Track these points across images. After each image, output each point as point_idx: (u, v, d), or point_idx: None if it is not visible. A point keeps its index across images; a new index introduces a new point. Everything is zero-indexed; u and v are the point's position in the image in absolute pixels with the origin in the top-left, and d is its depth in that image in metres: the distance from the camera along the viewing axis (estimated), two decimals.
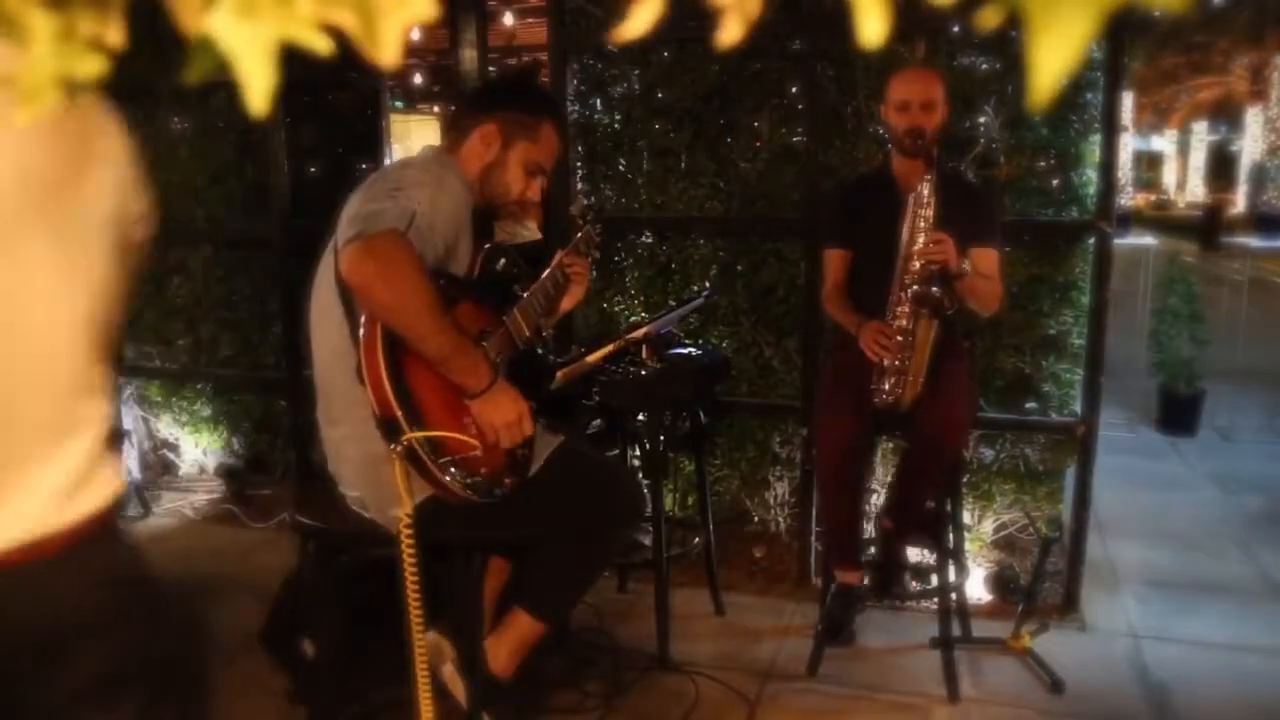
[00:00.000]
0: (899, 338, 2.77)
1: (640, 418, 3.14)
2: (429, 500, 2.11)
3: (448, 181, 2.16)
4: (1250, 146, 26.83)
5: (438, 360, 2.02)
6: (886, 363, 2.80)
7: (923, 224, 2.74)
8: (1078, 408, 3.36)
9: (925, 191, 2.74)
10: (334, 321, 2.14)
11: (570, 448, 2.40)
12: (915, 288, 2.73)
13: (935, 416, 2.77)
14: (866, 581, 3.08)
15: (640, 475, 3.60)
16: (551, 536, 2.38)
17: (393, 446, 1.97)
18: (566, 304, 2.48)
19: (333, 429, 2.23)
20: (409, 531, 2.05)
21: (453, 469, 2.02)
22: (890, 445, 3.48)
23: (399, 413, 1.94)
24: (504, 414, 2.11)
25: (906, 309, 2.77)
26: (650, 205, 3.73)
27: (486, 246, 2.27)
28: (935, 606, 3.02)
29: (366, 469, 2.16)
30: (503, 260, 2.30)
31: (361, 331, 1.98)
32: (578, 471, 2.39)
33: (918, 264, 2.73)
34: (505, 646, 2.39)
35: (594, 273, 2.52)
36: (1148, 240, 6.97)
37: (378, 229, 1.90)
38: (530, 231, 2.67)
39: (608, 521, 2.38)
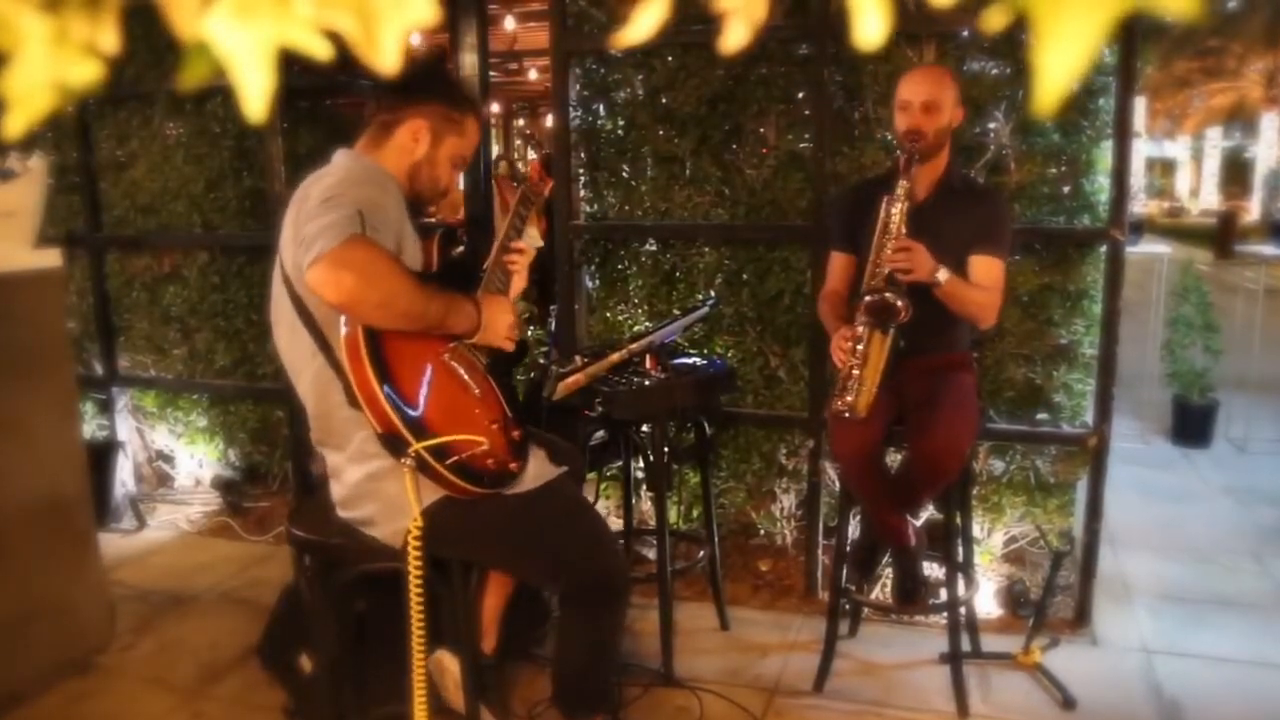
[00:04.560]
0: (853, 344, 2.72)
1: (644, 429, 3.11)
2: (435, 507, 2.09)
3: (380, 179, 2.13)
4: (1265, 153, 26.80)
5: (436, 327, 2.06)
6: (843, 370, 2.76)
7: (892, 228, 2.70)
8: (1089, 418, 3.32)
9: (899, 193, 2.69)
10: (306, 351, 2.12)
11: (569, 484, 2.39)
12: (868, 297, 2.68)
13: (933, 440, 2.69)
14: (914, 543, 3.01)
15: (644, 488, 3.58)
16: (535, 567, 2.36)
17: (401, 460, 1.97)
18: (516, 285, 2.37)
19: (337, 454, 2.20)
20: (418, 541, 2.03)
21: (462, 469, 2.02)
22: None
23: (401, 426, 1.94)
24: (503, 327, 2.18)
25: (862, 316, 2.72)
26: (654, 212, 3.70)
27: (441, 233, 2.25)
28: (944, 621, 2.98)
29: (373, 485, 2.13)
30: (460, 247, 2.28)
31: (343, 356, 1.97)
32: (571, 509, 2.36)
33: (886, 269, 2.68)
34: None
35: (540, 240, 2.46)
36: (1161, 248, 6.91)
37: (338, 241, 1.86)
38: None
39: (587, 579, 2.28)
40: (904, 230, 2.68)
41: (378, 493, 2.12)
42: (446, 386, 2.08)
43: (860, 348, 2.71)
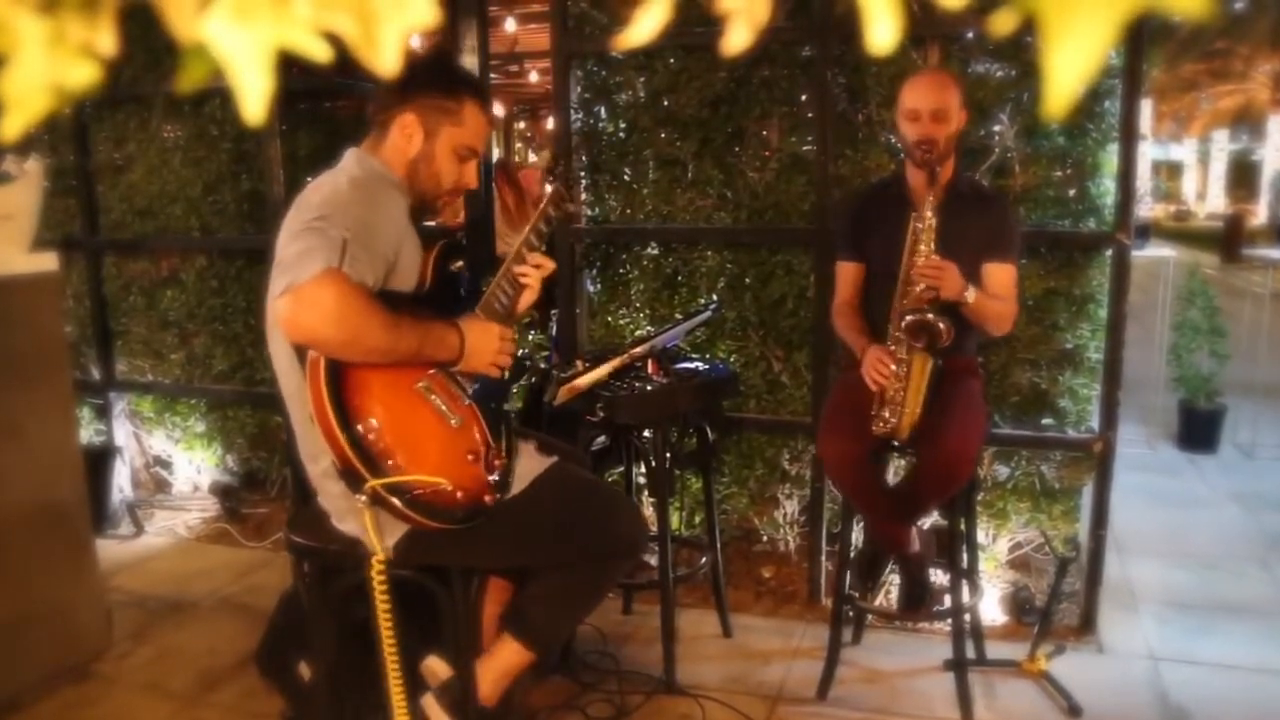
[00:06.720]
0: (894, 367, 2.70)
1: (646, 434, 3.09)
2: (413, 529, 2.06)
3: (378, 193, 2.08)
4: (1272, 155, 26.81)
5: (411, 360, 2.00)
6: (883, 392, 2.74)
7: (923, 247, 2.67)
8: (1095, 424, 3.29)
9: (928, 212, 2.67)
10: (286, 362, 2.09)
11: (564, 469, 2.34)
12: (909, 317, 2.65)
13: (942, 449, 2.66)
14: (915, 549, 2.98)
15: (646, 493, 3.55)
16: (546, 561, 2.31)
17: (357, 496, 1.92)
18: (526, 300, 2.31)
19: (314, 465, 2.18)
20: (381, 578, 2.00)
21: (423, 505, 1.96)
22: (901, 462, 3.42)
23: (357, 462, 1.89)
24: (488, 353, 2.11)
25: (902, 337, 2.70)
26: (656, 216, 3.68)
27: (441, 245, 2.20)
28: (949, 628, 2.96)
29: (351, 501, 2.09)
30: (460, 262, 2.23)
31: (306, 379, 1.93)
32: (571, 494, 2.32)
33: (919, 287, 2.66)
34: (490, 673, 2.32)
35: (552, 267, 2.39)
36: (1167, 252, 6.87)
37: (308, 275, 1.81)
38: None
39: (604, 551, 2.28)
40: (933, 249, 2.66)
41: (358, 509, 2.08)
42: (414, 419, 2.01)
43: (901, 369, 2.70)
